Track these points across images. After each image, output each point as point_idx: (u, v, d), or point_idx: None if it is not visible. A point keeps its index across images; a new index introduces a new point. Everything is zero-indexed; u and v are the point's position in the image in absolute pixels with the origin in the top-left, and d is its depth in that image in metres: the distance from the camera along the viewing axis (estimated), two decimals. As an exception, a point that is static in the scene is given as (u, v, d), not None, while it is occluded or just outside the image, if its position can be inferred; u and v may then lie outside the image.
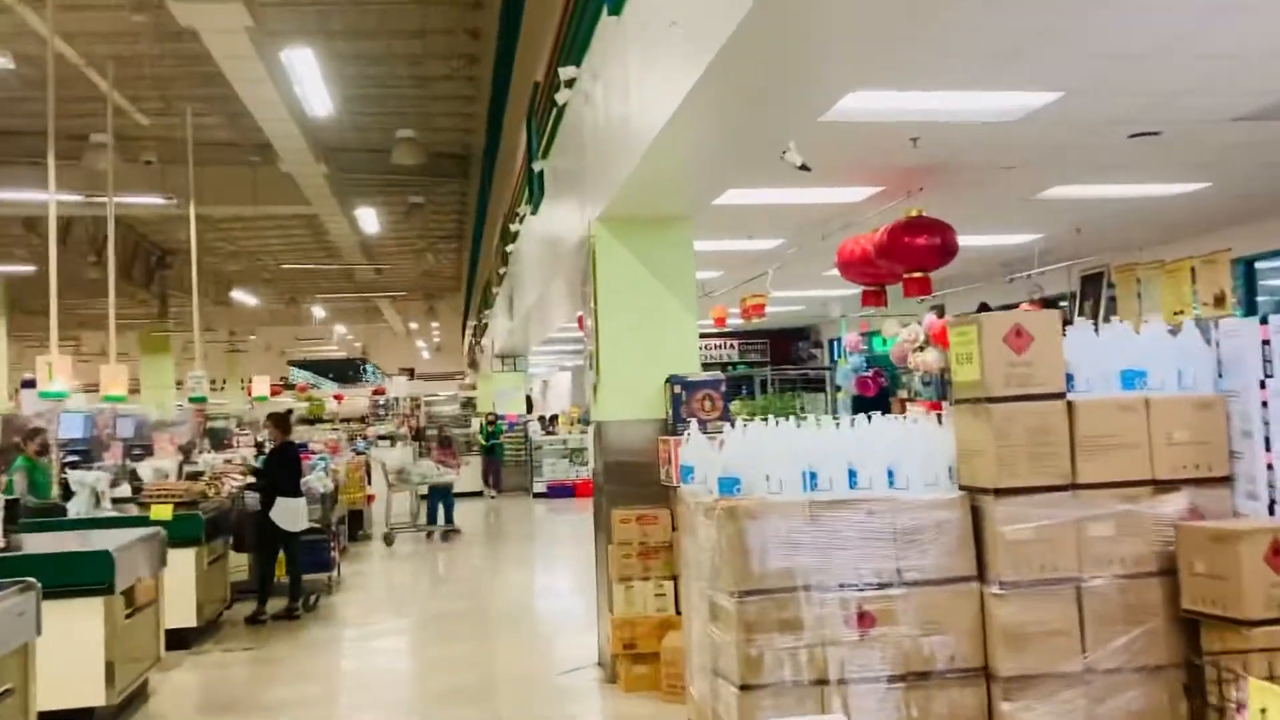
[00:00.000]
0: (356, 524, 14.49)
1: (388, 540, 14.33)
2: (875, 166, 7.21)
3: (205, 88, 13.59)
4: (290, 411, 15.42)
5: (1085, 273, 11.88)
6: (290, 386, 37.45)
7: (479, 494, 20.41)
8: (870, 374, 15.00)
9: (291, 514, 8.97)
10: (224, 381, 38.17)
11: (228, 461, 11.12)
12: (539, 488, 20.62)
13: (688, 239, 6.92)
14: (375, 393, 27.89)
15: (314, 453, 11.94)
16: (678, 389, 6.60)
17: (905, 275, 7.39)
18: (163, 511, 7.82)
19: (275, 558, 9.10)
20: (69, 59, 11.22)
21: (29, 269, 23.63)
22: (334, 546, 10.59)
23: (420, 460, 16.11)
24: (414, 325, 39.77)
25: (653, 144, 5.11)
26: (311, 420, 22.82)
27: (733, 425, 4.67)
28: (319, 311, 35.46)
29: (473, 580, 11.98)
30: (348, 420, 23.13)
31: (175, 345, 32.06)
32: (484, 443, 20.89)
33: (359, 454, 17.02)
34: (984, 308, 12.09)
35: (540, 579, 12.43)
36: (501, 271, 15.98)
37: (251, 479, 9.29)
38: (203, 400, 16.03)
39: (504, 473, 22.13)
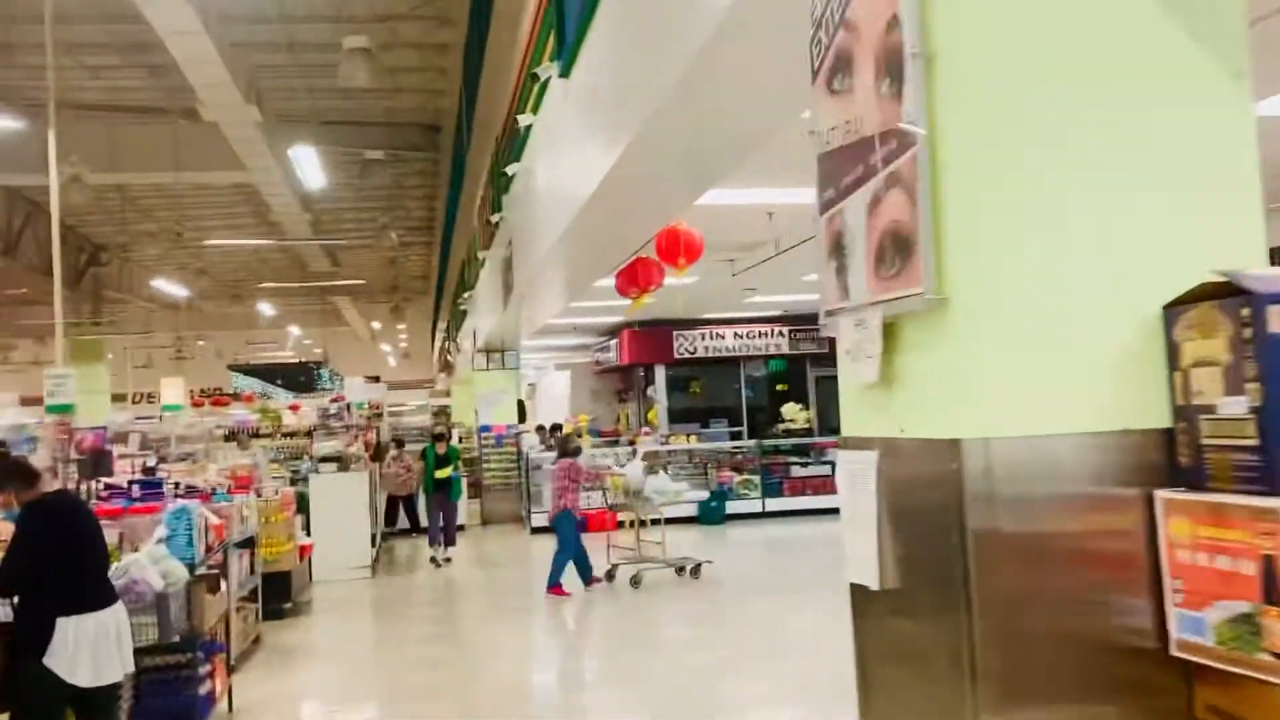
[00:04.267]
0: (279, 592, 9.61)
1: (634, 582, 10.53)
2: None
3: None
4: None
5: None
6: (235, 395, 32.44)
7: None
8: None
9: (71, 653, 4.07)
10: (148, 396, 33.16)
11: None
12: (538, 519, 15.75)
13: None
14: (334, 400, 22.86)
15: (198, 493, 7.02)
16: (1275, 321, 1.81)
17: None
18: None
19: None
20: None
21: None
22: (211, 671, 5.70)
23: (654, 475, 11.51)
24: (377, 325, 34.91)
25: None
26: (232, 436, 17.68)
27: None
28: (267, 309, 30.56)
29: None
30: (292, 435, 18.11)
31: (116, 351, 28.56)
32: (430, 472, 13.48)
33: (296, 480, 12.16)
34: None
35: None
36: (494, 220, 11.15)
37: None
38: (66, 410, 11.10)
39: (493, 499, 17.26)
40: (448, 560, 12.15)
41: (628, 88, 5.23)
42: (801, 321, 17.42)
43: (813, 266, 12.12)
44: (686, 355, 17.65)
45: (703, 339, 17.62)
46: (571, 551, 10.37)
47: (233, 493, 8.31)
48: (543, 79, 6.63)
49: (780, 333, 17.54)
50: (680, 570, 10.87)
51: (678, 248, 7.26)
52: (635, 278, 8.62)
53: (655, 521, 11.16)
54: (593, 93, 6.09)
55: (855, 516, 2.40)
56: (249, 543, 8.48)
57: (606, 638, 8.96)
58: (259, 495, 9.46)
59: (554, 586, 10.29)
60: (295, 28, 11.94)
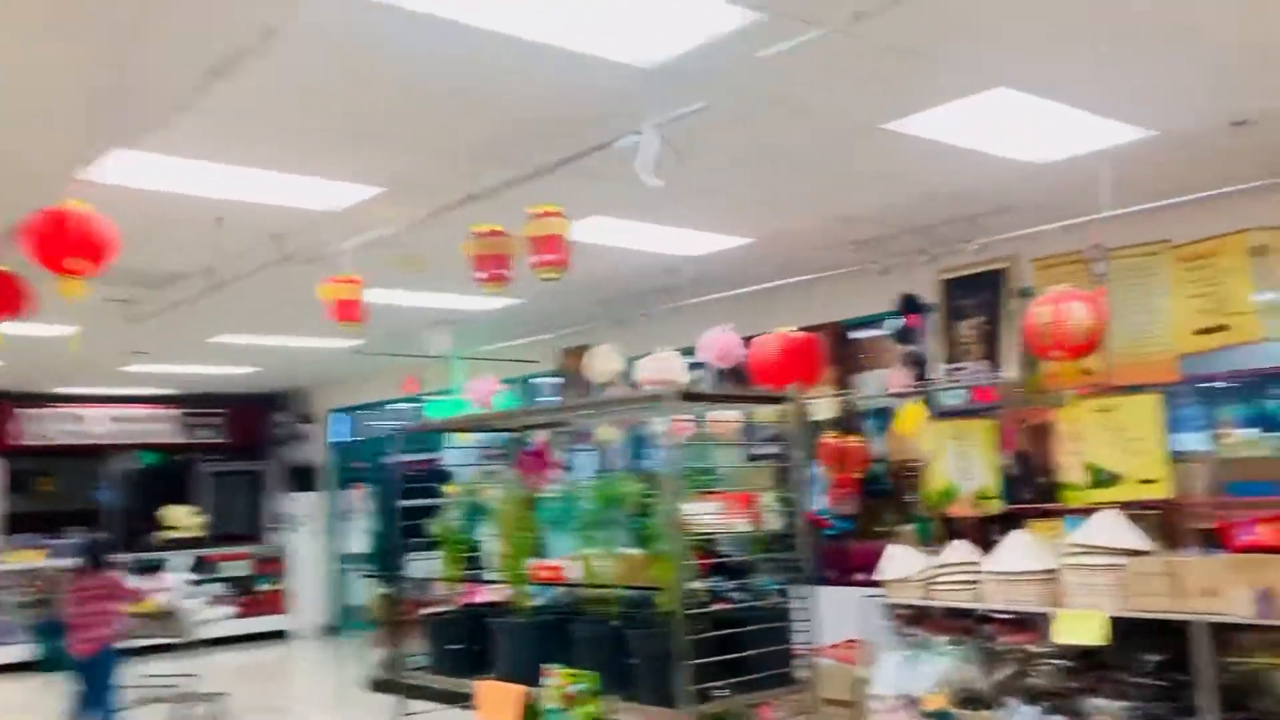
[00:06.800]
0: None
1: None
2: None
3: None
4: None
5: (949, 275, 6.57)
6: None
7: None
8: (536, 446, 8.68)
9: None
10: None
11: None
12: None
13: None
14: None
15: None
16: None
17: None
18: None
19: None
20: None
21: None
22: None
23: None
24: None
25: None
26: None
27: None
28: None
29: None
30: None
31: None
32: None
33: None
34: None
35: None
36: None
37: None
38: None
39: None
40: None
41: None
42: (197, 403, 14.06)
43: (229, 325, 8.43)
44: (36, 443, 13.34)
45: (57, 422, 13.49)
46: (112, 705, 7.50)
47: None
48: None
49: (171, 416, 13.99)
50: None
51: (65, 239, 4.26)
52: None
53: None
54: None
55: None
56: None
57: None
58: None
59: None
60: None
